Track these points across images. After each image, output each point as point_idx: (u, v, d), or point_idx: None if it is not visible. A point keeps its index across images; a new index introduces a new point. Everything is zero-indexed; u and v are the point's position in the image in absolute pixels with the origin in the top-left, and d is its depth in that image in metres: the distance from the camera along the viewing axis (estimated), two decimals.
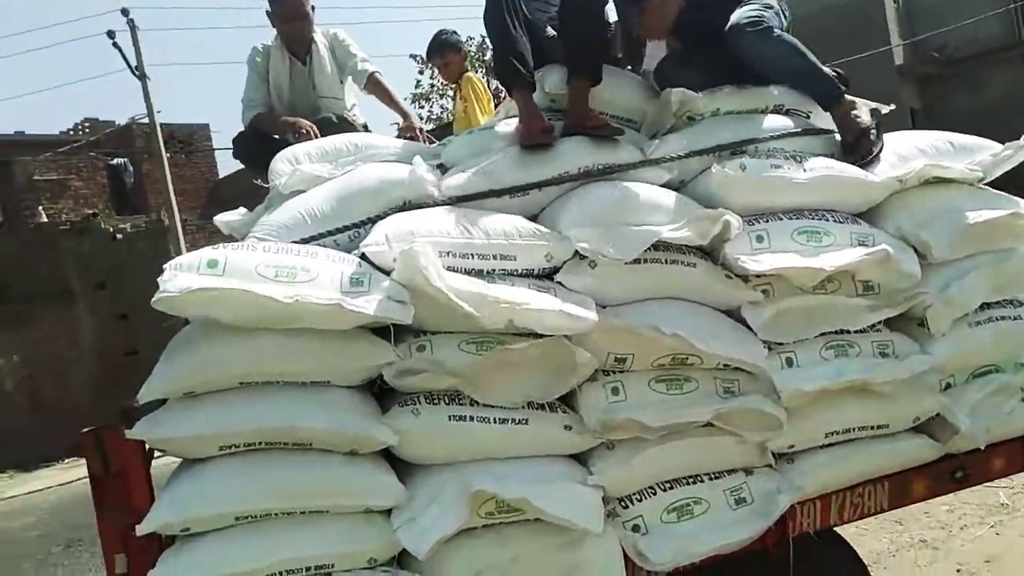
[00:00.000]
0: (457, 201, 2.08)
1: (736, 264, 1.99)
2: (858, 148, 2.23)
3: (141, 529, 1.61)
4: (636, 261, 1.95)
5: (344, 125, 2.92)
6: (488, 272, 1.93)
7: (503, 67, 2.37)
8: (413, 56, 23.13)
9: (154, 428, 1.66)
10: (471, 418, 1.84)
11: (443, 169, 2.26)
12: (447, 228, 1.92)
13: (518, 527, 1.85)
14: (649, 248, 1.95)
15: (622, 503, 1.94)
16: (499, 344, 1.91)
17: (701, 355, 1.95)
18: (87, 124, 21.27)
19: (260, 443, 1.72)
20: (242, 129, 3.02)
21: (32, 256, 13.05)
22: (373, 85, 3.05)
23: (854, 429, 2.09)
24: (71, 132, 20.78)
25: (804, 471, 2.05)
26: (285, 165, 2.31)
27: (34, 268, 13.10)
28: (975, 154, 2.31)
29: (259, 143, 2.92)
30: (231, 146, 2.97)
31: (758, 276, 2.06)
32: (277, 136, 2.91)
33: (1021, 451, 2.26)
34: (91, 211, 14.64)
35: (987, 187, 2.36)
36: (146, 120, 17.29)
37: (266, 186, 2.40)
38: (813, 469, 2.06)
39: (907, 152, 2.27)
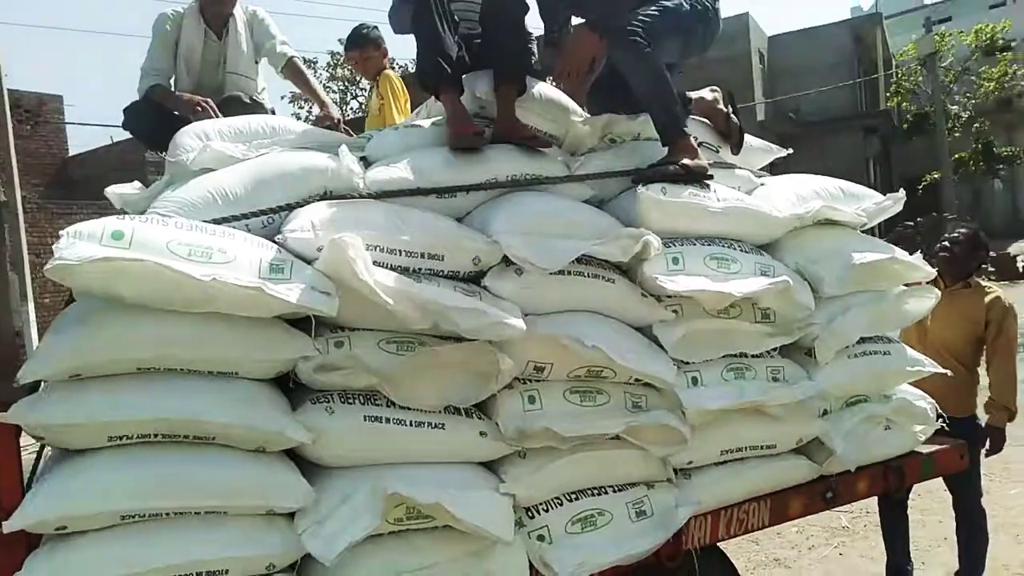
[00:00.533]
0: (382, 196, 2.02)
1: (654, 283, 2.06)
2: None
3: (9, 525, 1.41)
4: (560, 272, 1.97)
5: (255, 107, 2.76)
6: (414, 271, 1.89)
7: (430, 67, 2.33)
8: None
9: (34, 412, 1.47)
10: (387, 420, 1.78)
11: (366, 162, 2.19)
12: (375, 221, 1.86)
13: (427, 535, 1.80)
14: (573, 261, 1.98)
15: (528, 513, 1.94)
16: (419, 345, 1.87)
17: (617, 369, 1.99)
18: None
19: (156, 435, 1.57)
20: (136, 99, 2.77)
21: None
22: (291, 70, 2.91)
23: (746, 448, 2.21)
24: None
25: (700, 486, 2.14)
26: (193, 140, 2.14)
27: None
28: (861, 201, 2.53)
29: (153, 115, 2.70)
30: (123, 116, 2.72)
31: (670, 297, 2.14)
32: (176, 112, 2.70)
33: (882, 475, 2.47)
34: None
35: (866, 233, 2.59)
36: None
37: (157, 159, 2.21)
38: (708, 485, 2.15)
39: (805, 193, 2.45)
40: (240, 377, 1.69)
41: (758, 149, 2.74)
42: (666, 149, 2.37)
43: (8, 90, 14.62)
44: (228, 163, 2.11)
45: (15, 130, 15.52)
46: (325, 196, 2.00)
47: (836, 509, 3.43)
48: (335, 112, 2.82)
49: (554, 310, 2.01)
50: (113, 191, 2.18)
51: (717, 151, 2.57)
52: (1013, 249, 18.63)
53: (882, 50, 25.13)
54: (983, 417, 3.08)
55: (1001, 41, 22.53)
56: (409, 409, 1.81)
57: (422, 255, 1.89)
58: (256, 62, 2.97)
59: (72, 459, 1.53)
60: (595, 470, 2.02)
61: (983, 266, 3.33)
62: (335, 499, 1.69)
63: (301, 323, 1.76)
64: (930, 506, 3.96)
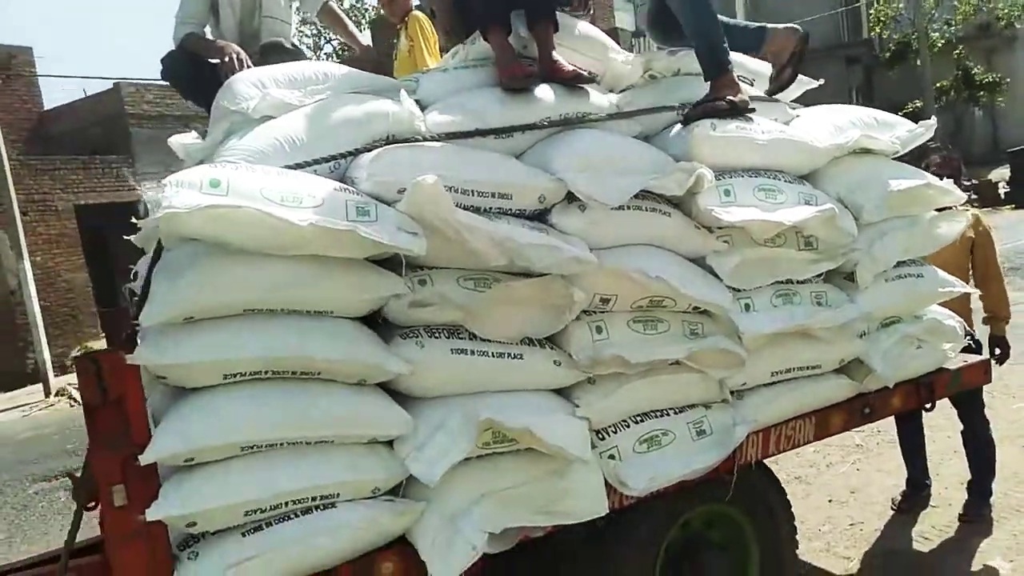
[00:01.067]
0: (443, 138, 2.07)
1: (709, 215, 2.14)
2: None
3: (145, 458, 1.51)
4: (621, 207, 2.04)
5: (296, 52, 2.76)
6: (484, 210, 1.95)
7: (480, 5, 2.33)
8: None
9: (157, 353, 1.55)
10: (471, 351, 1.88)
11: (419, 105, 2.22)
12: (447, 162, 1.91)
13: (511, 457, 1.92)
14: (631, 196, 2.05)
15: (599, 435, 2.06)
16: (495, 282, 1.95)
17: (678, 298, 2.09)
18: None
19: (266, 372, 1.66)
20: (171, 48, 2.75)
21: None
22: (328, 14, 2.89)
23: (794, 369, 2.34)
24: None
25: (753, 406, 2.27)
26: (251, 88, 2.16)
27: None
28: (894, 129, 2.61)
29: (189, 64, 2.68)
30: (160, 65, 2.70)
31: (720, 228, 2.23)
32: (210, 60, 2.69)
33: (915, 391, 2.62)
34: None
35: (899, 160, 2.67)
36: None
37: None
38: (760, 404, 2.28)
39: (842, 123, 2.53)
40: (335, 316, 1.76)
41: None
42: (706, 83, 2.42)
43: None
44: (286, 110, 2.14)
45: None
46: (388, 140, 2.04)
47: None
48: (374, 54, 2.81)
49: (616, 244, 2.09)
50: (176, 141, 2.21)
51: (752, 83, 2.62)
52: (994, 176, 18.90)
53: None
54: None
55: None
56: (490, 341, 1.91)
57: (492, 194, 1.95)
58: (290, 7, 2.94)
59: (192, 397, 1.62)
60: (658, 394, 2.14)
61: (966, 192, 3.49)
62: (430, 427, 1.80)
63: (383, 263, 1.83)
64: (937, 422, 4.15)
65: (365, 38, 2.93)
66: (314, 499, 1.69)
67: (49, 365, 10.70)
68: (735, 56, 2.59)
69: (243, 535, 1.64)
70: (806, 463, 4.10)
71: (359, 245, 1.70)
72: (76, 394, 10.50)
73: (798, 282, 2.36)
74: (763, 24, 2.63)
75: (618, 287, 2.05)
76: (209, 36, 2.82)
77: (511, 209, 2.00)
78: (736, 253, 2.22)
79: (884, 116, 2.66)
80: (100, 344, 14.29)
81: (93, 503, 2.87)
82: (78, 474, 2.90)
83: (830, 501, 3.66)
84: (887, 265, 2.45)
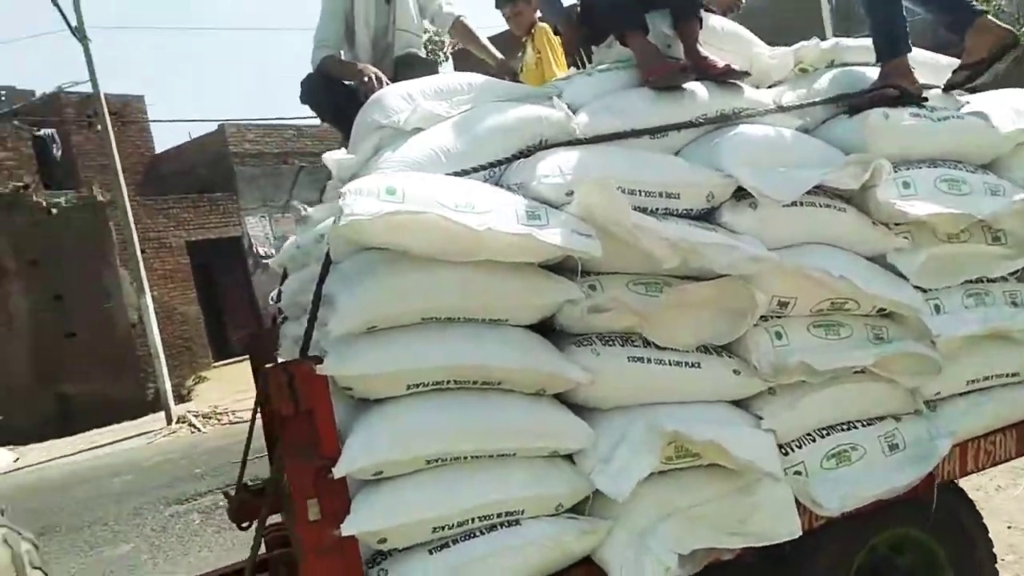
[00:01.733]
0: (596, 140, 2.00)
1: (890, 208, 1.98)
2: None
3: (338, 471, 1.47)
4: (793, 204, 1.91)
5: (431, 63, 2.77)
6: (651, 210, 1.86)
7: (612, 10, 2.28)
8: None
9: (344, 364, 1.53)
10: (647, 359, 1.78)
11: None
12: (612, 163, 1.84)
13: (694, 473, 1.80)
14: (806, 190, 1.92)
15: (783, 449, 1.91)
16: (665, 286, 1.85)
17: (862, 299, 1.94)
18: (2, 92, 19.89)
19: (448, 382, 1.61)
20: (309, 72, 2.82)
21: None
22: (459, 29, 2.90)
23: (992, 376, 2.12)
24: None
25: (948, 418, 2.07)
26: (401, 102, 2.17)
27: None
28: None
29: (326, 87, 2.73)
30: (299, 88, 2.77)
31: (897, 224, 2.06)
32: (346, 81, 2.73)
33: None
34: (19, 184, 13.67)
35: None
36: (74, 89, 16.32)
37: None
38: (956, 416, 2.08)
39: (1021, 107, 2.31)
40: (509, 324, 1.70)
41: (945, 66, 2.59)
42: (865, 73, 2.27)
43: (90, 94, 15.28)
44: (435, 121, 2.13)
45: (102, 132, 16.23)
46: (542, 145, 1.99)
47: None
48: (509, 66, 2.80)
49: (790, 243, 1.95)
50: (329, 157, 2.22)
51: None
52: None
53: None
54: None
55: None
56: (665, 349, 1.81)
57: (660, 194, 1.86)
58: (421, 21, 2.96)
59: (377, 408, 1.58)
60: (844, 405, 1.98)
61: None
62: (611, 440, 1.71)
63: (552, 270, 1.76)
64: None
65: (499, 53, 2.89)
66: (499, 515, 1.63)
67: (170, 394, 11.23)
68: None
69: (430, 552, 1.58)
70: (972, 486, 3.75)
71: (533, 249, 1.64)
72: (196, 422, 10.97)
73: (989, 281, 2.16)
74: (981, 9, 2.42)
75: (798, 289, 1.91)
76: (344, 57, 2.87)
77: (678, 209, 1.90)
78: (921, 250, 2.04)
79: None
80: (215, 372, 14.97)
81: (247, 523, 2.93)
82: (226, 492, 2.96)
83: (1009, 527, 3.34)
84: None
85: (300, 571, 1.56)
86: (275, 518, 2.99)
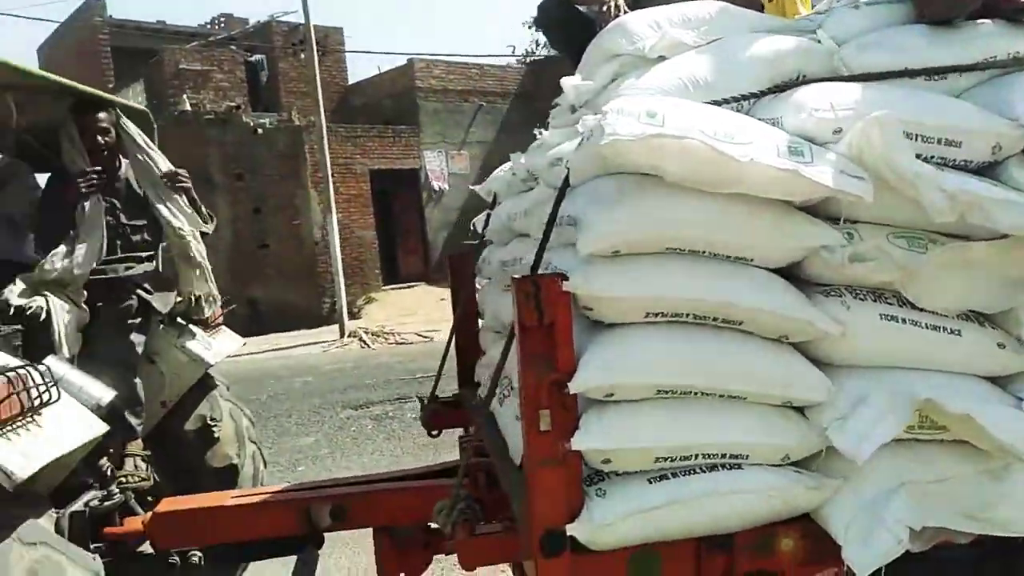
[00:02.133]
0: (863, 78, 1.82)
1: None
2: None
3: (574, 386, 1.49)
4: None
5: None
6: (926, 158, 1.68)
7: None
8: None
9: (590, 283, 1.53)
10: (902, 320, 1.64)
11: None
12: (891, 101, 1.67)
13: (936, 447, 1.66)
14: None
15: None
16: (930, 242, 1.68)
17: None
18: (223, 19, 21.73)
19: (687, 315, 1.57)
20: None
21: (175, 142, 13.56)
22: None
23: None
24: (208, 26, 21.28)
25: None
26: (647, 29, 2.09)
27: (178, 154, 13.64)
28: None
29: (564, 14, 2.71)
30: (535, 14, 2.78)
31: None
32: (580, 5, 2.69)
33: None
34: (231, 104, 14.99)
35: None
36: (285, 18, 17.53)
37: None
38: None
39: None
40: (754, 265, 1.63)
41: None
42: None
43: (299, 25, 16.29)
44: (681, 50, 2.04)
45: (306, 61, 17.34)
46: (799, 80, 1.85)
47: None
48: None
49: None
50: (567, 82, 2.20)
51: None
52: None
53: None
54: None
55: None
56: (923, 311, 1.66)
57: (937, 140, 1.68)
58: None
59: (612, 331, 1.58)
60: None
61: None
62: (851, 398, 1.60)
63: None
64: None
65: None
66: (723, 456, 1.59)
67: (345, 310, 12.10)
68: None
69: (649, 482, 1.58)
70: None
71: (796, 187, 1.53)
72: (366, 338, 11.77)
73: None
74: None
75: None
76: None
77: (956, 159, 1.70)
78: None
79: None
80: (383, 295, 15.94)
81: (437, 431, 3.11)
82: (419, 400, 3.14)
83: None
84: None
85: (525, 478, 1.61)
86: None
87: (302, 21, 16.66)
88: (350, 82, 18.98)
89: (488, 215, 2.97)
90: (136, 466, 2.51)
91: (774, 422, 1.61)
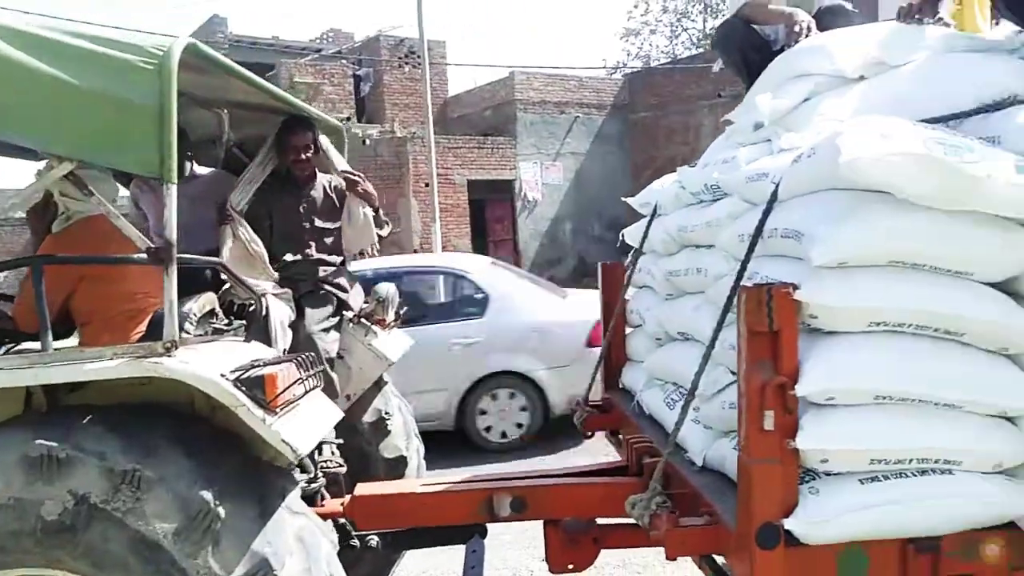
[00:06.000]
0: None
1: None
2: None
3: (800, 390, 1.60)
4: None
5: (854, 15, 2.74)
6: None
7: None
8: None
9: (819, 293, 1.63)
10: None
11: None
12: None
13: None
14: None
15: None
16: None
17: None
18: (331, 34, 22.71)
19: (909, 325, 1.65)
20: (727, 17, 2.91)
21: None
22: None
23: None
24: (318, 40, 22.29)
25: None
26: (846, 49, 2.18)
27: None
28: None
29: (743, 33, 2.80)
30: (714, 33, 2.87)
31: None
32: (760, 26, 2.78)
33: None
34: (341, 116, 15.67)
35: None
36: (392, 33, 18.20)
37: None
38: None
39: None
40: (973, 278, 1.68)
41: None
42: None
43: (404, 38, 16.87)
44: (881, 70, 2.11)
45: (409, 73, 17.92)
46: (1011, 100, 1.89)
47: None
48: (947, 9, 2.66)
49: None
50: (763, 99, 2.30)
51: None
52: None
53: None
54: None
55: None
56: None
57: None
58: None
59: (835, 339, 1.67)
60: None
61: None
62: None
63: None
64: None
65: None
66: (936, 461, 1.65)
67: None
68: None
69: (861, 482, 1.66)
70: None
71: None
72: None
73: None
74: None
75: None
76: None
77: None
78: None
79: None
80: None
81: (591, 433, 3.23)
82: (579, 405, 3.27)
83: None
84: None
85: (740, 474, 1.72)
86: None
87: (407, 35, 17.34)
88: (449, 94, 19.52)
89: (648, 226, 3.08)
90: (333, 453, 2.74)
91: (988, 431, 1.66)
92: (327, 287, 3.08)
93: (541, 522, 2.56)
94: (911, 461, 1.66)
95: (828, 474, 1.69)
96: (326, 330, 2.94)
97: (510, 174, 17.31)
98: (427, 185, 13.80)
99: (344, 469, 2.70)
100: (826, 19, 2.65)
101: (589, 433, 3.20)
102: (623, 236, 3.43)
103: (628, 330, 3.36)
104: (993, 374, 1.65)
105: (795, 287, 1.62)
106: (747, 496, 1.68)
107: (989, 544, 1.69)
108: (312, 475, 2.52)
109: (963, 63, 1.99)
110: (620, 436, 3.15)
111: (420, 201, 14.18)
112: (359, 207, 3.19)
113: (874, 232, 1.62)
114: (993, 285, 1.72)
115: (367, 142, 14.47)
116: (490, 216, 17.91)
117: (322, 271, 3.10)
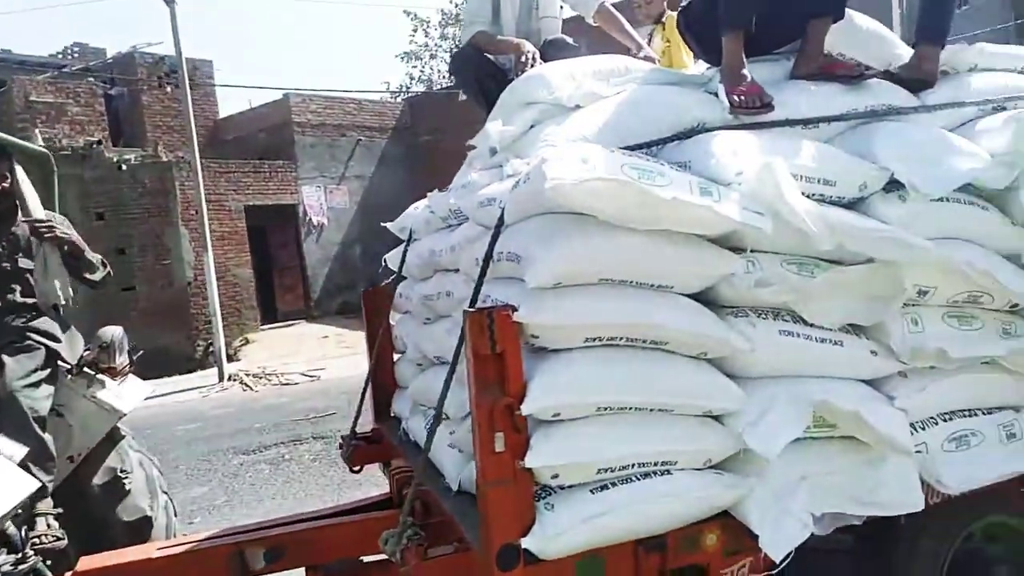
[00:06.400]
0: (753, 127, 2.11)
1: None
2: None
3: (525, 409, 1.63)
4: (940, 199, 2.01)
5: (576, 48, 2.90)
6: (808, 196, 1.96)
7: (726, 8, 2.23)
8: (407, 12, 23.03)
9: (538, 313, 1.67)
10: (797, 334, 1.90)
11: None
12: (779, 148, 1.95)
13: (826, 443, 1.92)
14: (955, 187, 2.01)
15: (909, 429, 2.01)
16: (815, 267, 1.96)
17: (1000, 294, 2.03)
18: (76, 49, 20.47)
19: (621, 339, 1.75)
20: (461, 46, 2.95)
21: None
22: (603, 15, 3.01)
23: None
24: (60, 56, 19.98)
25: None
26: (564, 79, 2.30)
27: None
28: None
29: (477, 62, 2.87)
30: (449, 62, 2.89)
31: None
32: (493, 56, 2.87)
33: None
34: (92, 139, 14.11)
35: None
36: (149, 50, 16.76)
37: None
38: None
39: None
40: (675, 291, 1.83)
41: None
42: (1009, 78, 2.35)
43: (164, 56, 15.66)
44: (594, 100, 2.26)
45: (172, 94, 16.64)
46: (700, 128, 2.11)
47: None
48: (652, 52, 2.91)
49: (935, 236, 2.05)
50: (493, 127, 2.36)
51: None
52: None
53: None
54: None
55: None
56: (812, 326, 1.92)
57: (817, 180, 1.97)
58: (561, 6, 3.09)
59: (555, 357, 1.73)
60: (968, 392, 2.08)
61: None
62: (759, 406, 1.83)
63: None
64: None
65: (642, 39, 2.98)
66: (656, 464, 1.77)
67: (223, 352, 11.58)
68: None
69: (591, 492, 1.73)
70: None
71: (710, 222, 1.76)
72: (248, 380, 11.33)
73: None
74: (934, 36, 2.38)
75: (938, 279, 2.01)
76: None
77: (831, 196, 2.00)
78: None
79: None
80: (261, 335, 15.38)
81: (359, 467, 3.12)
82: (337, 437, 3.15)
83: None
84: None
85: (479, 498, 1.72)
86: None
87: (167, 53, 16.06)
88: (220, 116, 18.38)
89: (405, 251, 3.06)
90: (49, 525, 2.37)
91: (697, 430, 1.81)
92: (33, 336, 2.68)
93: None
94: (634, 466, 1.76)
95: (561, 488, 1.75)
96: (34, 385, 2.55)
97: (292, 198, 16.64)
98: (198, 212, 12.84)
99: (64, 543, 2.35)
100: (550, 51, 2.81)
101: (357, 468, 3.09)
102: (385, 261, 3.38)
103: (396, 356, 3.31)
104: (696, 378, 1.81)
105: (514, 309, 1.66)
106: (486, 519, 1.69)
107: (708, 535, 1.84)
108: (20, 554, 2.16)
109: (662, 95, 2.19)
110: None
111: (192, 229, 13.14)
112: (53, 255, 2.80)
113: (582, 252, 1.70)
114: (693, 296, 1.90)
115: (124, 167, 13.15)
116: (274, 242, 17.08)
117: (27, 317, 2.70)
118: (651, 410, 1.78)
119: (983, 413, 2.10)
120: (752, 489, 1.82)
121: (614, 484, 1.75)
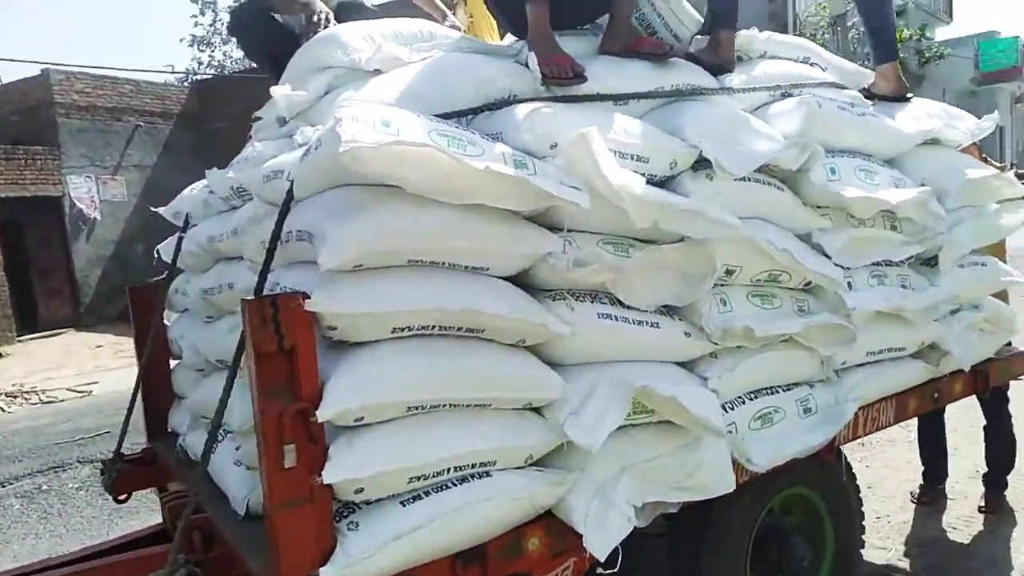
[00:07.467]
0: (564, 100, 2.00)
1: (825, 191, 2.14)
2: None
3: (322, 414, 1.36)
4: (743, 179, 2.02)
5: (372, 12, 2.63)
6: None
7: None
8: None
9: (334, 301, 1.41)
10: (614, 317, 1.81)
11: None
12: (595, 121, 1.83)
13: (644, 429, 1.86)
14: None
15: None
16: (630, 247, 1.89)
17: (797, 272, 2.09)
18: None
19: (433, 327, 1.54)
20: (241, 1, 2.56)
21: None
22: None
23: (884, 350, 2.36)
24: None
25: (852, 385, 2.28)
26: (361, 41, 2.06)
27: None
28: (964, 121, 2.70)
29: (261, 20, 2.52)
30: (228, 20, 2.50)
31: (818, 207, 2.24)
32: (279, 15, 2.54)
33: (972, 379, 2.71)
34: None
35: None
36: None
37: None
38: (858, 384, 2.29)
39: (920, 113, 2.60)
40: (491, 274, 1.66)
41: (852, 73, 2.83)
42: (792, 66, 2.47)
43: None
44: (395, 65, 2.04)
45: None
46: (511, 99, 1.96)
47: None
48: (460, 23, 2.72)
49: (739, 215, 2.06)
50: (278, 91, 2.05)
51: (824, 69, 2.65)
52: None
53: (792, 9, 26.04)
54: None
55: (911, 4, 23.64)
56: (628, 308, 1.84)
57: (632, 156, 1.89)
58: None
59: (358, 351, 1.48)
60: (771, 370, 2.11)
61: None
62: (580, 393, 1.72)
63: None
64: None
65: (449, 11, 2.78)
66: (473, 466, 1.58)
67: None
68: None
69: (403, 504, 1.51)
70: None
71: (525, 196, 1.61)
72: (1, 400, 9.71)
73: (886, 264, 2.40)
74: (893, 54, 2.72)
75: (744, 258, 2.02)
76: None
77: (644, 173, 1.93)
78: (842, 232, 2.23)
79: (951, 109, 2.75)
80: (19, 347, 13.35)
81: (126, 496, 2.65)
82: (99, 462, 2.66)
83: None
84: (964, 251, 2.53)
85: (267, 524, 1.43)
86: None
87: None
88: None
89: (180, 240, 2.64)
90: None
91: (516, 425, 1.66)
92: None
93: None
94: (450, 471, 1.56)
95: (367, 503, 1.51)
96: None
97: (56, 190, 14.60)
98: None
99: None
100: (344, 15, 2.54)
101: (123, 496, 2.61)
102: (158, 252, 2.91)
103: (173, 363, 2.86)
104: (515, 368, 1.65)
105: (306, 296, 1.39)
106: (276, 549, 1.41)
107: (531, 538, 1.69)
108: None
109: (470, 63, 2.01)
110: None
111: None
112: None
113: (386, 229, 1.48)
114: (509, 279, 1.74)
115: None
116: (32, 241, 14.89)
117: None
118: (468, 406, 1.59)
119: (783, 390, 2.15)
120: (575, 485, 1.70)
121: (427, 493, 1.55)
